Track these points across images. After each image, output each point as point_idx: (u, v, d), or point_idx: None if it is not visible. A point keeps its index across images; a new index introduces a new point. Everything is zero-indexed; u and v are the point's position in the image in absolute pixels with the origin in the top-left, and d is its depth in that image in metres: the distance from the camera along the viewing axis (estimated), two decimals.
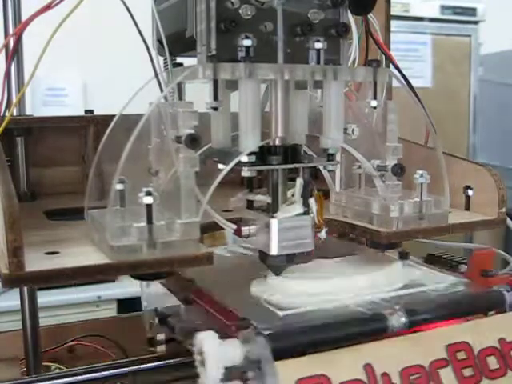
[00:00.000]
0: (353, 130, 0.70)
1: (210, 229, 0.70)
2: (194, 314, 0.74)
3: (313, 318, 0.63)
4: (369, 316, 0.64)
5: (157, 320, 0.82)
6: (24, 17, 0.90)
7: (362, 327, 0.62)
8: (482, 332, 0.65)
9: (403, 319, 0.63)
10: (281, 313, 0.65)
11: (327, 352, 0.58)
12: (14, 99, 0.92)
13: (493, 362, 0.64)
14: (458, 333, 0.64)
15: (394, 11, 1.11)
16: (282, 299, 0.68)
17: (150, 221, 0.58)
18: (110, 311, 2.10)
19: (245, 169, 0.64)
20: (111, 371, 0.71)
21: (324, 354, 0.58)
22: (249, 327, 0.59)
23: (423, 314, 0.65)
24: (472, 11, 2.68)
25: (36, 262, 0.56)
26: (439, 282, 0.74)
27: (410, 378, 0.59)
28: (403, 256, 0.83)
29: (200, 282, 0.76)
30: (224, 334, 0.58)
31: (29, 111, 1.03)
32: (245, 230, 0.67)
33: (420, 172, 0.73)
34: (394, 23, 1.08)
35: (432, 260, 0.86)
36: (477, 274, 0.76)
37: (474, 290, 0.73)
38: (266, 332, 0.58)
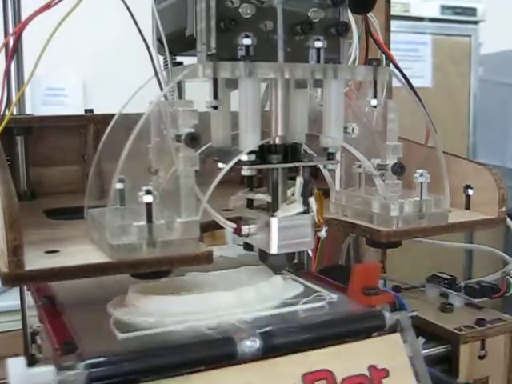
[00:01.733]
0: (353, 129, 0.70)
1: (209, 228, 0.69)
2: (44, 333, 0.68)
3: (153, 341, 0.58)
4: (216, 340, 0.58)
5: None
6: (24, 16, 0.90)
7: (206, 352, 0.57)
8: (348, 358, 0.59)
9: (257, 344, 0.57)
10: (120, 335, 0.59)
11: (163, 380, 0.54)
12: (14, 98, 0.92)
13: None
14: (319, 359, 0.58)
15: (394, 11, 1.11)
16: (134, 319, 0.63)
17: (149, 220, 0.58)
18: None
19: (245, 168, 0.64)
20: None
21: (158, 382, 0.53)
22: (75, 351, 0.55)
23: (282, 338, 0.59)
24: (472, 11, 2.68)
25: (36, 260, 0.56)
26: (315, 301, 0.68)
27: None
28: (298, 269, 0.79)
29: (62, 298, 0.71)
30: (55, 358, 0.55)
31: (29, 111, 1.03)
32: (245, 228, 0.68)
33: (420, 171, 0.73)
34: (393, 23, 1.08)
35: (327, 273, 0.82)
36: (359, 290, 0.69)
37: (351, 310, 0.67)
38: (89, 360, 0.53)
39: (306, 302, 0.67)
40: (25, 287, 0.95)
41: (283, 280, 0.73)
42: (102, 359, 0.54)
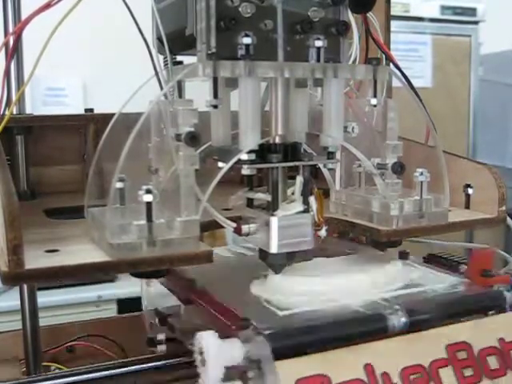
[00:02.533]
0: (353, 128, 0.70)
1: (209, 227, 0.69)
2: (194, 314, 0.74)
3: (312, 318, 0.63)
4: (369, 316, 0.63)
5: (157, 320, 0.82)
6: (24, 16, 0.90)
7: (362, 327, 0.62)
8: (481, 332, 0.65)
9: (403, 319, 0.62)
10: (281, 313, 0.64)
11: (327, 352, 0.58)
12: (14, 98, 0.92)
13: (493, 362, 0.63)
14: (458, 333, 0.64)
15: (394, 11, 1.11)
16: (282, 299, 0.67)
17: (149, 219, 0.58)
18: (110, 311, 2.09)
19: (244, 167, 0.64)
20: (111, 371, 0.70)
21: (323, 353, 0.58)
22: (249, 327, 0.59)
23: (423, 314, 0.65)
24: (472, 11, 2.68)
25: (36, 259, 0.56)
26: (439, 282, 0.74)
27: (410, 377, 0.59)
28: (403, 256, 0.82)
29: (200, 282, 0.75)
30: (224, 334, 0.58)
31: (29, 111, 1.03)
32: (245, 228, 0.67)
33: (420, 170, 0.73)
34: (393, 23, 1.08)
35: (432, 260, 0.85)
36: (477, 274, 0.75)
37: (474, 290, 0.73)
38: (266, 332, 0.57)
39: (436, 283, 0.73)
40: (25, 287, 0.95)
41: (403, 264, 0.78)
42: (276, 331, 0.58)
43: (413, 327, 0.63)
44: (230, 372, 0.56)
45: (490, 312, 0.69)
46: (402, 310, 0.63)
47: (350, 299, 0.67)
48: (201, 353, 0.56)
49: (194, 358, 0.57)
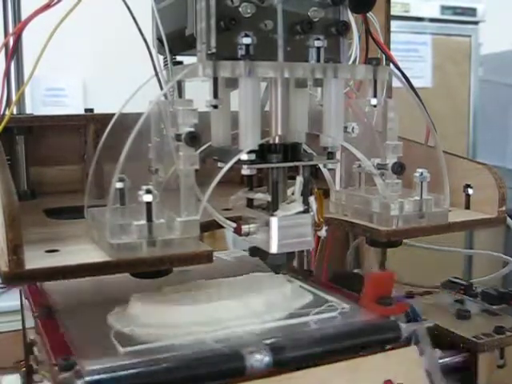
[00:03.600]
0: (353, 128, 0.70)
1: (209, 227, 0.69)
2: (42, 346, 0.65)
3: (158, 356, 0.55)
4: (223, 354, 0.55)
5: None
6: (24, 16, 0.90)
7: (213, 368, 0.54)
8: (363, 372, 0.57)
9: (267, 358, 0.55)
10: (122, 349, 0.57)
11: None
12: (14, 98, 0.92)
13: None
14: (333, 374, 0.56)
15: (394, 11, 1.11)
16: (136, 331, 0.60)
17: (149, 219, 0.58)
18: None
19: (244, 167, 0.64)
20: None
21: None
22: (73, 368, 0.53)
23: (293, 352, 0.57)
24: (472, 11, 2.68)
25: (36, 259, 0.56)
26: (326, 311, 0.66)
27: None
28: (307, 276, 0.77)
29: (61, 306, 0.69)
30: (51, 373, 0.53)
31: (29, 111, 1.03)
32: (244, 228, 0.67)
33: (420, 170, 0.73)
34: (393, 23, 1.08)
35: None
36: (373, 300, 0.66)
37: (365, 321, 0.64)
38: (88, 377, 0.51)
39: (317, 313, 0.65)
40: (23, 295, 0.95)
41: (292, 288, 0.71)
42: (101, 376, 0.52)
43: (282, 367, 0.55)
44: None
45: (388, 346, 0.62)
46: (267, 346, 0.55)
47: (212, 332, 0.59)
48: None
49: None
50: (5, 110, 0.82)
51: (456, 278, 1.02)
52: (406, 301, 0.67)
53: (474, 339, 0.80)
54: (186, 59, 0.68)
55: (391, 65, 0.87)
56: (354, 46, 0.77)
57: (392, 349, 0.61)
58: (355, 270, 1.13)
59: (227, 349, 0.56)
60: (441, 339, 0.76)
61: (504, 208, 0.79)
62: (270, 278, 0.72)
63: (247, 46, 0.62)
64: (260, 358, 0.55)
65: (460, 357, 0.80)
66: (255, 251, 0.71)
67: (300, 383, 0.55)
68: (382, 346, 0.62)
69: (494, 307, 0.93)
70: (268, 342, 0.57)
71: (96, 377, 0.51)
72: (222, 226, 0.68)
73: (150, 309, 0.64)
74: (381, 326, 0.64)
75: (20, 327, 0.96)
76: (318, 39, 0.65)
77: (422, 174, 0.73)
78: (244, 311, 0.64)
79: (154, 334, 0.59)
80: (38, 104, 2.29)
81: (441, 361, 0.75)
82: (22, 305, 0.96)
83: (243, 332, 0.60)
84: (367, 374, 0.58)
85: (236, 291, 0.68)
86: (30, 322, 0.93)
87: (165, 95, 0.63)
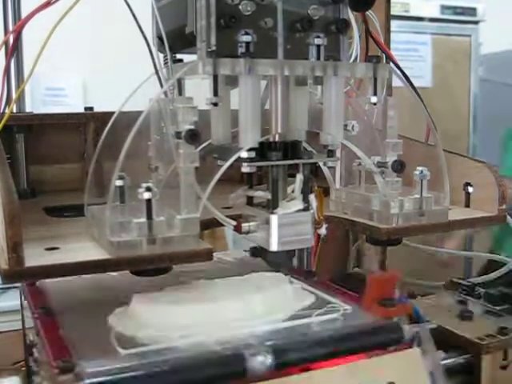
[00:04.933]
0: (353, 126, 0.70)
1: (209, 225, 0.69)
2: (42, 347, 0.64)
3: (159, 358, 0.54)
4: (224, 357, 0.54)
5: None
6: (24, 14, 0.90)
7: (215, 370, 0.54)
8: (365, 375, 0.56)
9: (269, 360, 0.54)
10: (123, 351, 0.56)
11: None
12: (14, 96, 0.92)
13: None
14: (335, 376, 0.55)
15: (394, 11, 1.11)
16: (136, 333, 0.59)
17: (149, 216, 0.58)
18: None
19: (244, 165, 0.64)
20: None
21: None
22: (73, 370, 0.52)
23: (296, 353, 0.56)
24: (472, 11, 2.68)
25: (36, 257, 0.56)
26: (328, 313, 0.64)
27: None
28: (308, 276, 0.76)
29: (60, 307, 0.68)
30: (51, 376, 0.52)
31: (28, 111, 1.03)
32: (244, 226, 0.67)
33: (420, 168, 0.73)
34: (394, 23, 1.08)
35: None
36: (375, 302, 0.65)
37: (368, 323, 0.63)
38: (88, 380, 0.50)
39: (319, 314, 0.64)
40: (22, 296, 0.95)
41: (294, 289, 0.70)
42: (101, 379, 0.51)
43: (283, 369, 0.55)
44: None
45: (390, 348, 0.61)
46: (268, 349, 0.55)
47: (212, 334, 0.58)
48: None
49: None
50: (5, 108, 0.82)
51: (460, 278, 1.02)
52: (408, 302, 0.66)
53: (477, 340, 0.80)
54: (186, 57, 0.68)
55: (391, 64, 0.87)
56: (355, 45, 0.77)
57: (395, 351, 0.61)
58: (355, 270, 1.13)
59: (228, 351, 0.55)
60: (444, 340, 0.75)
61: (504, 206, 0.79)
62: (271, 278, 0.71)
63: (247, 43, 0.62)
64: (262, 360, 0.54)
65: (463, 358, 0.80)
66: (256, 251, 0.71)
67: None
68: (385, 347, 0.61)
69: (497, 308, 0.92)
70: (270, 343, 0.56)
71: (96, 379, 0.51)
72: (221, 224, 0.68)
73: (150, 310, 0.63)
74: (383, 328, 0.63)
75: (20, 327, 0.96)
76: (318, 37, 0.66)
77: (422, 172, 0.73)
78: (245, 312, 0.63)
79: (155, 336, 0.58)
80: (37, 103, 2.29)
81: (444, 362, 0.75)
82: (21, 305, 0.96)
83: (244, 334, 0.59)
84: (370, 376, 0.57)
85: (237, 292, 0.67)
86: (30, 323, 0.93)
87: (165, 93, 0.63)
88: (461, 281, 1.01)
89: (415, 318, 0.65)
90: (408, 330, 0.62)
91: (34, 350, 0.68)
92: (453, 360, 0.79)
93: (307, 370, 0.56)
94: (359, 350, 0.60)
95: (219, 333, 0.58)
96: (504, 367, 0.81)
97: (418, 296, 0.98)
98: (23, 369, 0.96)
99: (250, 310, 0.63)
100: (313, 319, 0.63)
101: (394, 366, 0.59)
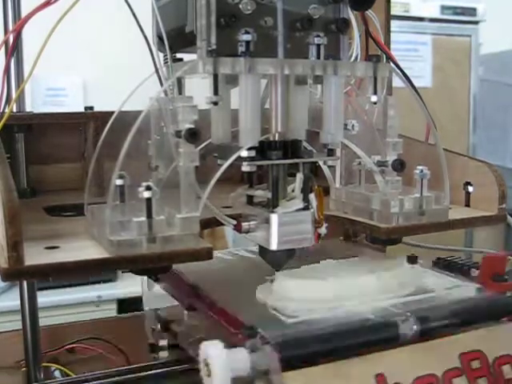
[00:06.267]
0: (353, 125, 0.70)
1: (209, 224, 0.69)
2: (197, 321, 0.72)
3: (322, 325, 0.60)
4: (380, 324, 0.61)
5: (159, 326, 0.80)
6: (24, 14, 0.90)
7: (374, 336, 0.60)
8: (495, 340, 0.63)
9: (415, 327, 0.61)
10: (288, 320, 0.62)
11: (337, 362, 0.56)
12: (14, 96, 0.92)
13: (508, 371, 0.61)
14: (472, 341, 0.62)
15: (394, 11, 1.11)
16: (289, 306, 0.65)
17: (149, 215, 0.58)
18: (110, 311, 2.09)
19: (244, 164, 0.64)
20: (115, 378, 0.70)
21: (334, 364, 0.56)
22: (256, 336, 0.56)
23: (435, 322, 0.63)
24: (472, 11, 2.68)
25: (36, 256, 0.56)
26: (450, 288, 0.72)
27: None
28: (412, 260, 0.81)
29: (203, 288, 0.74)
30: (230, 343, 0.56)
31: (28, 110, 1.03)
32: (245, 225, 0.67)
33: (420, 168, 0.73)
34: (394, 23, 1.08)
35: (441, 264, 0.83)
36: (489, 278, 0.73)
37: (487, 296, 0.71)
38: (274, 341, 0.55)
39: (447, 289, 0.71)
40: (25, 287, 0.95)
41: (414, 269, 0.77)
42: (284, 340, 0.56)
43: (425, 335, 0.61)
44: (237, 382, 0.54)
45: (504, 319, 0.67)
46: (414, 317, 0.61)
47: (360, 305, 0.65)
48: (206, 364, 0.54)
49: (199, 367, 0.56)
50: (4, 107, 0.82)
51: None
52: None
53: None
54: (186, 56, 0.68)
55: (391, 64, 0.87)
56: (355, 44, 0.77)
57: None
58: None
59: (382, 319, 0.62)
60: None
61: (504, 205, 0.79)
62: (385, 259, 0.79)
63: (247, 42, 0.62)
64: (411, 327, 0.61)
65: None
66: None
67: (443, 349, 0.61)
68: (503, 317, 0.67)
69: None
70: (415, 313, 0.62)
71: (280, 340, 0.55)
72: (222, 223, 0.68)
73: (297, 284, 0.68)
74: (502, 300, 0.70)
75: (20, 327, 0.96)
76: (318, 36, 0.65)
77: (422, 171, 0.73)
78: (380, 287, 0.69)
79: (306, 308, 0.64)
80: (38, 104, 2.30)
81: None
82: (22, 305, 0.96)
83: (390, 304, 0.66)
84: (500, 341, 0.64)
85: (365, 270, 0.73)
86: (32, 323, 0.93)
87: (165, 92, 0.63)
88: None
89: None
90: None
91: (173, 325, 0.76)
92: None
93: (446, 336, 0.62)
94: (486, 319, 0.66)
95: (364, 304, 0.65)
96: None
97: None
98: (23, 369, 0.97)
99: (383, 284, 0.69)
100: (445, 292, 0.71)
101: None
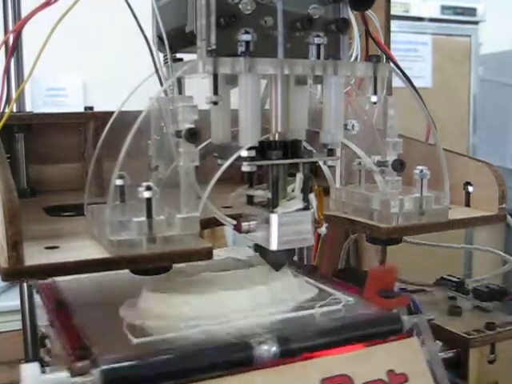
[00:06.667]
0: (353, 125, 0.70)
1: (209, 224, 0.69)
2: (57, 338, 0.66)
3: (169, 347, 0.57)
4: (233, 345, 0.57)
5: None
6: (24, 14, 0.90)
7: (222, 357, 0.56)
8: (366, 363, 0.58)
9: (274, 348, 0.56)
10: (134, 340, 0.58)
11: None
12: (14, 96, 0.92)
13: None
14: (337, 364, 0.57)
15: (394, 11, 1.11)
16: (147, 323, 0.62)
17: (149, 215, 0.58)
18: None
19: (245, 163, 0.63)
20: None
21: None
22: (89, 357, 0.54)
23: (300, 342, 0.58)
24: (472, 11, 2.68)
25: (36, 256, 0.56)
26: (330, 304, 0.67)
27: None
28: (311, 271, 0.79)
29: (72, 302, 0.71)
30: (68, 363, 0.54)
31: (28, 110, 1.03)
32: (245, 225, 0.67)
33: (420, 167, 0.73)
34: (394, 23, 1.08)
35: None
36: (375, 293, 0.68)
37: (368, 314, 0.66)
38: (104, 366, 0.52)
39: (322, 306, 0.66)
40: (25, 287, 0.95)
41: (297, 282, 0.72)
42: (116, 364, 0.53)
43: (288, 357, 0.57)
44: None
45: (390, 338, 0.63)
46: (274, 337, 0.57)
47: (220, 323, 0.61)
48: None
49: None
50: (4, 107, 0.82)
51: (450, 275, 1.03)
52: (407, 294, 0.69)
53: (465, 335, 0.82)
54: (186, 56, 0.68)
55: (391, 64, 0.87)
56: (355, 44, 0.77)
57: (394, 340, 0.63)
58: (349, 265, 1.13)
59: (236, 339, 0.58)
60: (433, 335, 0.76)
61: (504, 205, 0.79)
62: (271, 273, 0.72)
63: (247, 42, 0.62)
64: (267, 349, 0.57)
65: (452, 352, 0.81)
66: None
67: (304, 373, 0.56)
68: (385, 337, 0.63)
69: (485, 304, 0.94)
70: (275, 333, 0.59)
71: (112, 365, 0.53)
72: (222, 223, 0.68)
73: (159, 301, 0.65)
74: (383, 318, 0.65)
75: (20, 327, 0.96)
76: (318, 36, 0.65)
77: (422, 171, 0.73)
78: (250, 304, 0.65)
79: (165, 326, 0.61)
80: (38, 104, 2.29)
81: None
82: (22, 305, 0.96)
83: (251, 323, 0.62)
84: (370, 364, 0.59)
85: (243, 283, 0.69)
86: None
87: (165, 92, 0.63)
88: (451, 277, 1.03)
89: (413, 310, 0.68)
90: (407, 320, 0.64)
91: (47, 341, 0.71)
92: (442, 354, 0.79)
93: (310, 358, 0.58)
94: (360, 339, 0.62)
95: (226, 323, 0.61)
96: (491, 362, 0.83)
97: (411, 293, 0.99)
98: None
99: (255, 301, 0.66)
100: (316, 310, 0.66)
101: (393, 354, 0.61)
